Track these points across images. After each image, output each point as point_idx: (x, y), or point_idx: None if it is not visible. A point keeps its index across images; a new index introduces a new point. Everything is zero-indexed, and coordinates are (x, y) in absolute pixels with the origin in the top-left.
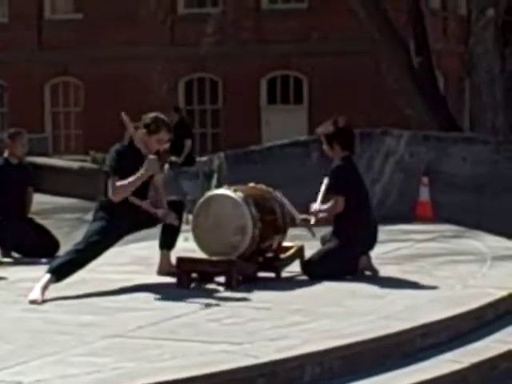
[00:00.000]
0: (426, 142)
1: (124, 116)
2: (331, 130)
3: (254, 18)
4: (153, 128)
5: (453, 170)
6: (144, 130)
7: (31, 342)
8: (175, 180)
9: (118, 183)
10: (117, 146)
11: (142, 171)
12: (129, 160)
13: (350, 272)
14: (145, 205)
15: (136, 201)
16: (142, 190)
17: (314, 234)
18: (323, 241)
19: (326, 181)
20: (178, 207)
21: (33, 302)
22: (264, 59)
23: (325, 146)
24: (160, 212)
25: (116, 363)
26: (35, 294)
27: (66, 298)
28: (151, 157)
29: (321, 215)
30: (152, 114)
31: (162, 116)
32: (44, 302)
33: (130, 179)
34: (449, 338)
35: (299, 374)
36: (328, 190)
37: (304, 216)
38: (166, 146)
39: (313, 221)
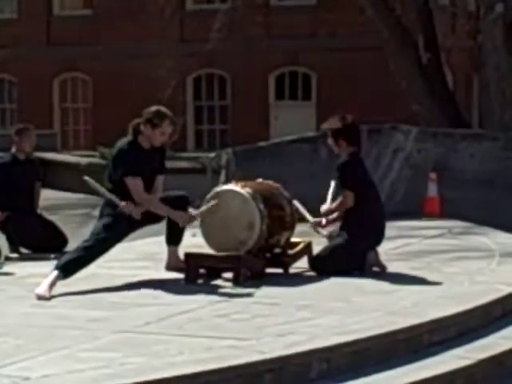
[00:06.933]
0: (435, 138)
1: (89, 179)
2: (339, 125)
3: (263, 14)
4: (155, 122)
5: (461, 166)
6: (147, 125)
7: (39, 338)
8: None
9: (148, 196)
10: (121, 145)
11: (172, 214)
12: (134, 157)
13: (358, 268)
14: (119, 202)
15: (108, 195)
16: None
17: (325, 236)
18: (331, 237)
19: (333, 183)
20: (182, 202)
21: (40, 297)
22: (272, 55)
23: (330, 141)
24: (122, 204)
25: (123, 358)
26: (42, 290)
27: (74, 294)
28: (194, 212)
29: (333, 215)
30: (153, 108)
31: (163, 109)
32: (52, 297)
33: (159, 204)
34: (457, 334)
35: (306, 370)
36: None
37: (317, 219)
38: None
39: (324, 221)
